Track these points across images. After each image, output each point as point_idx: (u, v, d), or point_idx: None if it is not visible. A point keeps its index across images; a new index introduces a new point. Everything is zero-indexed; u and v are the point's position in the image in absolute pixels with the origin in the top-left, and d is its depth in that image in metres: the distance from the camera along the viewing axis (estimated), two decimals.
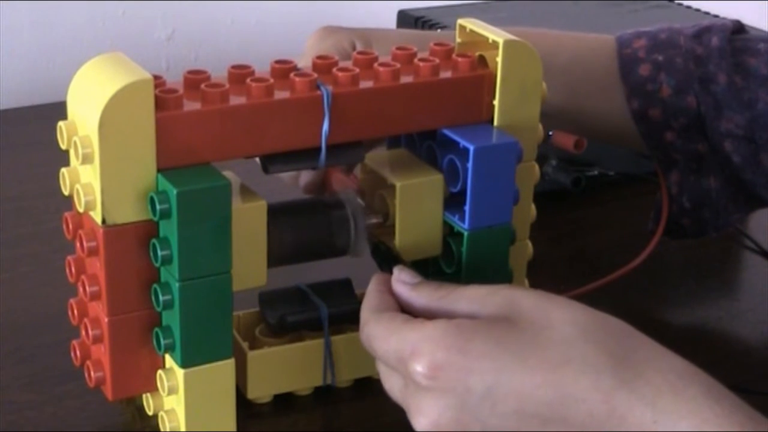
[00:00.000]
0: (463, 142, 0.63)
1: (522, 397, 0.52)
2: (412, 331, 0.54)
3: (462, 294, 0.57)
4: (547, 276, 0.71)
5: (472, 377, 0.52)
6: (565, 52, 0.77)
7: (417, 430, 0.54)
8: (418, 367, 0.53)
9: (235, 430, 0.62)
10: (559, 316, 0.53)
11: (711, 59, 0.74)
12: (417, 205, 0.65)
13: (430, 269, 0.67)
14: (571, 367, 0.51)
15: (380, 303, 0.58)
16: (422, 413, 0.53)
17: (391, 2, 1.04)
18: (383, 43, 0.74)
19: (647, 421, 0.50)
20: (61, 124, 0.58)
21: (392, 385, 0.56)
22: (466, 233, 0.64)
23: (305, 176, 0.70)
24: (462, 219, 0.64)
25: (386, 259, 0.63)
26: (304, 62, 0.70)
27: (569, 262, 0.82)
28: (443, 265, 0.66)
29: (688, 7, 1.14)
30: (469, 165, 0.63)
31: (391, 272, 0.60)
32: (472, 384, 0.52)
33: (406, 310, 0.58)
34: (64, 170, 0.59)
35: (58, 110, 0.59)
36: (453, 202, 0.65)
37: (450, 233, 0.66)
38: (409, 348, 0.54)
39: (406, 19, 1.02)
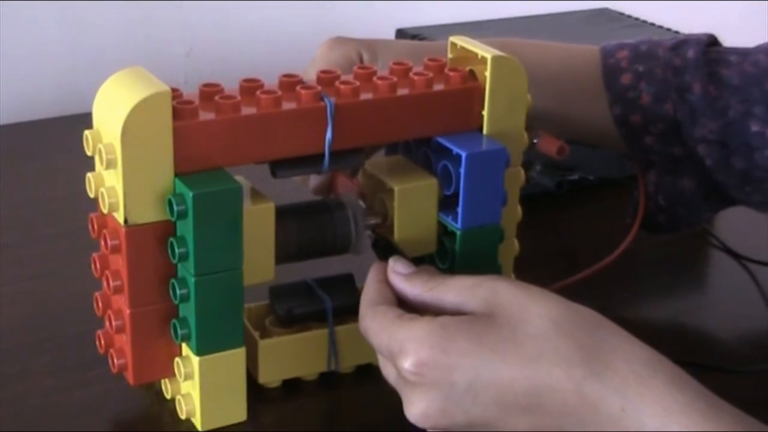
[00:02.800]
0: (456, 149, 0.63)
1: (501, 389, 0.52)
2: (400, 329, 0.55)
3: (450, 286, 0.57)
4: (532, 271, 0.70)
5: (455, 373, 0.53)
6: (553, 62, 0.77)
7: (408, 418, 0.54)
8: (406, 365, 0.53)
9: (245, 412, 0.62)
10: (535, 310, 0.54)
11: (687, 70, 0.74)
12: (414, 206, 0.65)
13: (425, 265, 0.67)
14: (545, 360, 0.52)
15: (376, 295, 0.58)
16: (412, 404, 0.54)
17: (391, 21, 1.04)
18: (387, 52, 0.74)
19: (616, 408, 0.50)
20: (87, 132, 0.58)
21: (388, 373, 0.57)
22: (459, 232, 0.64)
23: (314, 179, 0.69)
24: (455, 219, 0.64)
25: (385, 250, 0.63)
26: (314, 69, 0.70)
27: (552, 258, 0.81)
28: (438, 262, 0.66)
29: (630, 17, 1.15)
30: (462, 170, 0.62)
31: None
32: (455, 379, 0.53)
33: (401, 299, 0.58)
34: (89, 175, 0.59)
35: (85, 120, 0.59)
36: (447, 203, 0.65)
37: (444, 232, 0.66)
38: (397, 346, 0.54)
39: (404, 37, 1.02)
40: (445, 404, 0.53)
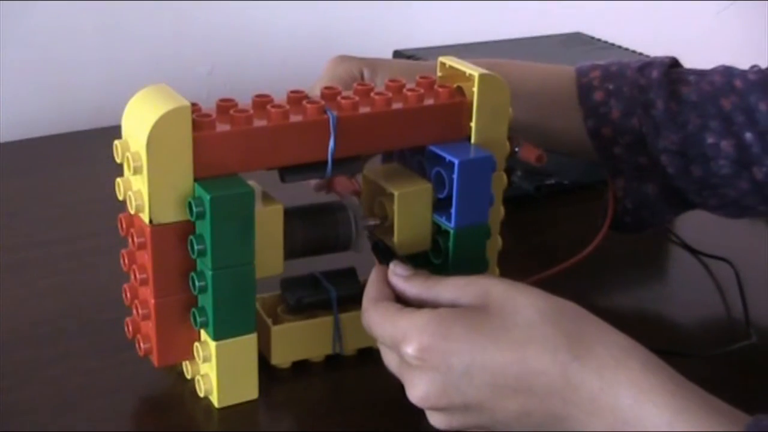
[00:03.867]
0: (449, 157, 0.63)
1: (494, 372, 0.52)
2: (402, 319, 0.55)
3: (445, 284, 0.57)
4: (513, 265, 0.70)
5: (452, 357, 0.52)
6: (534, 80, 0.77)
7: (411, 400, 0.54)
8: (409, 350, 0.53)
9: (257, 391, 0.62)
10: (524, 301, 0.53)
11: (651, 89, 0.74)
12: (411, 209, 0.64)
13: (421, 261, 0.66)
14: (533, 346, 0.51)
15: (378, 293, 0.58)
16: (414, 387, 0.54)
17: (389, 44, 1.03)
18: (385, 70, 0.74)
19: (595, 389, 0.50)
20: (116, 142, 0.58)
21: (389, 361, 0.57)
22: (452, 231, 0.64)
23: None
24: (449, 219, 0.64)
25: (384, 254, 0.62)
26: (321, 83, 0.71)
27: (531, 253, 0.81)
28: (432, 257, 0.66)
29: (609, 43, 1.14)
30: (455, 176, 0.62)
31: (388, 265, 0.59)
32: (453, 363, 0.52)
33: (400, 298, 0.58)
34: (118, 180, 0.59)
35: (115, 132, 0.59)
36: (440, 205, 0.65)
37: (438, 231, 0.65)
38: (400, 334, 0.54)
39: (401, 58, 1.02)
40: (443, 386, 0.53)
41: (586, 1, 1.36)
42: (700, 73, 0.76)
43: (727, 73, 0.75)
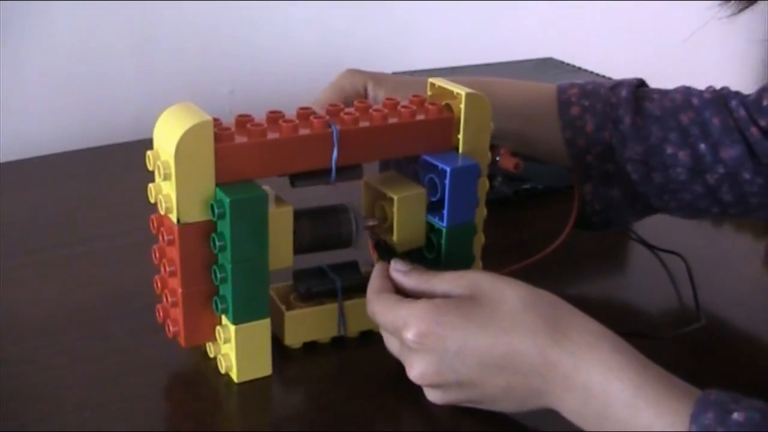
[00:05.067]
0: (441, 165, 0.63)
1: (483, 353, 0.52)
2: (402, 308, 0.55)
3: (440, 278, 0.58)
4: (494, 258, 0.70)
5: (447, 341, 0.53)
6: (519, 94, 0.76)
7: (410, 378, 0.55)
8: (408, 335, 0.54)
9: (271, 368, 0.61)
10: (509, 292, 0.54)
11: (620, 106, 0.73)
12: (408, 211, 0.64)
13: (416, 256, 0.66)
14: (516, 331, 0.52)
15: (380, 286, 0.59)
16: (413, 367, 0.55)
17: (388, 67, 1.03)
18: (388, 84, 0.75)
19: (569, 368, 0.50)
20: (148, 152, 0.58)
21: (391, 345, 0.58)
22: (444, 230, 0.64)
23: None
24: (441, 219, 0.64)
25: (385, 251, 0.63)
26: (328, 92, 0.72)
27: (510, 248, 0.80)
28: (426, 253, 0.66)
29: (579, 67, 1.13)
30: (447, 181, 0.62)
31: (389, 262, 0.60)
32: (447, 345, 0.53)
33: (400, 290, 0.59)
34: (150, 185, 0.58)
35: (148, 144, 0.58)
36: (433, 207, 0.64)
37: (431, 230, 0.65)
38: (401, 321, 0.55)
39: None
40: (439, 366, 0.53)
41: (558, 28, 1.35)
42: (663, 92, 0.75)
43: (686, 92, 0.75)
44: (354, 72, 0.76)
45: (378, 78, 0.76)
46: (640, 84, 0.77)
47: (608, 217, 0.76)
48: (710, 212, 0.75)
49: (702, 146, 0.72)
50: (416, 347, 0.54)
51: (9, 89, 1.03)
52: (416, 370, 0.54)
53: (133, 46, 1.08)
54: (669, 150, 0.72)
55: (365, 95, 0.75)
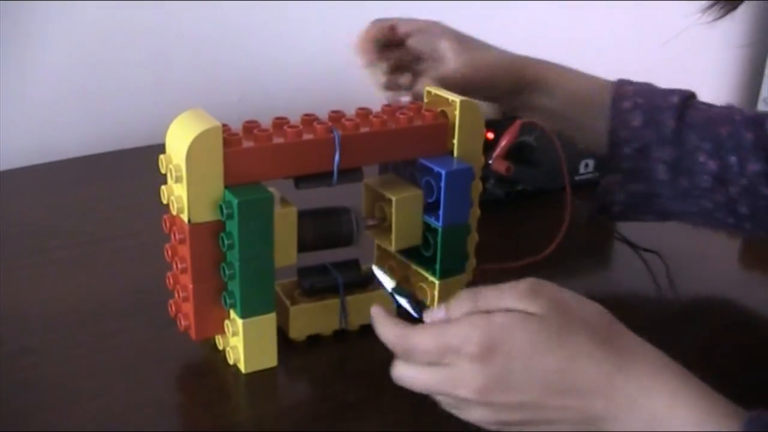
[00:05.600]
0: (437, 168, 0.62)
1: (549, 376, 0.48)
2: (458, 325, 0.49)
3: (497, 292, 0.50)
4: (487, 256, 0.70)
5: (513, 357, 0.48)
6: (577, 81, 0.75)
7: (465, 395, 0.48)
8: (471, 347, 0.48)
9: (276, 359, 0.61)
10: (574, 311, 0.49)
11: (668, 110, 0.72)
12: (406, 211, 0.64)
13: (413, 253, 0.66)
14: (582, 357, 0.48)
15: (403, 326, 0.51)
16: (475, 380, 0.48)
17: None
18: (408, 23, 0.76)
19: (634, 392, 0.47)
20: (161, 156, 0.57)
21: (436, 375, 0.50)
22: (440, 229, 0.63)
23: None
24: (437, 219, 0.63)
25: (414, 309, 0.54)
26: (360, 38, 0.74)
27: (502, 246, 0.80)
28: (423, 251, 0.65)
29: None
30: (442, 183, 0.62)
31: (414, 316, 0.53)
32: (513, 363, 0.48)
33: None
34: (162, 187, 0.58)
35: (161, 148, 0.58)
36: (429, 208, 0.64)
37: (428, 229, 0.65)
38: (459, 338, 0.48)
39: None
40: (504, 381, 0.48)
41: (547, 40, 1.35)
42: (709, 105, 0.74)
43: (731, 108, 0.73)
44: (378, 20, 0.76)
45: (400, 20, 0.76)
46: (691, 95, 0.75)
47: (628, 209, 0.75)
48: (725, 223, 0.73)
49: (732, 158, 0.70)
50: (479, 360, 0.47)
51: (33, 97, 1.02)
52: (478, 383, 0.47)
53: (148, 57, 1.08)
54: (701, 158, 0.70)
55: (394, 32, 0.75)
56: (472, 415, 0.49)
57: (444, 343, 0.48)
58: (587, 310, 0.50)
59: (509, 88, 0.74)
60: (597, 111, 0.73)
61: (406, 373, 0.50)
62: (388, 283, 0.56)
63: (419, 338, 0.49)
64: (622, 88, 0.74)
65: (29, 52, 1.00)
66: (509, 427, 0.49)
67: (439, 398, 0.51)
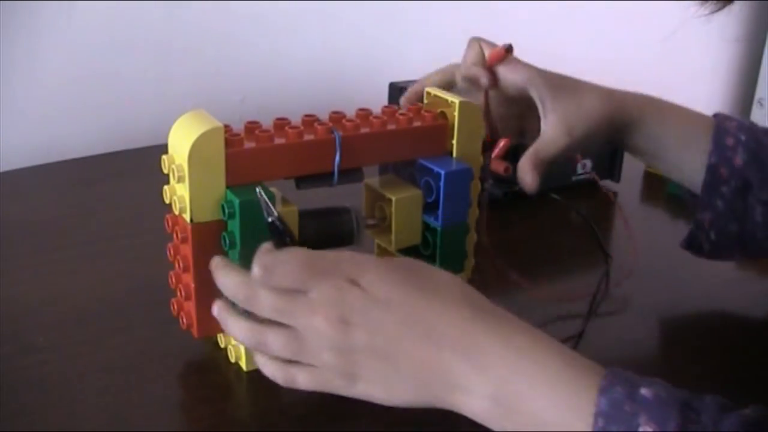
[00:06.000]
0: (436, 169, 0.63)
1: (409, 312, 0.48)
2: (333, 254, 0.50)
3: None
4: (485, 254, 0.70)
5: (377, 287, 0.48)
6: (677, 115, 0.72)
7: (306, 315, 0.48)
8: (347, 267, 0.49)
9: None
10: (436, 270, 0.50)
11: None
12: (406, 211, 0.64)
13: (412, 253, 0.66)
14: (445, 299, 0.48)
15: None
16: (322, 303, 0.48)
17: (386, 76, 1.03)
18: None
19: (494, 337, 0.47)
20: (163, 156, 0.58)
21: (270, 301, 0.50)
22: (439, 228, 0.64)
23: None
24: (436, 219, 0.64)
25: (281, 234, 0.54)
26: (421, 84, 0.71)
27: (500, 245, 0.80)
28: (422, 250, 0.66)
29: None
30: (441, 183, 0.62)
31: (280, 246, 0.52)
32: (376, 292, 0.48)
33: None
34: (165, 187, 0.58)
35: (165, 148, 0.58)
36: (429, 208, 0.65)
37: (427, 228, 0.65)
38: (332, 263, 0.49)
39: (395, 89, 1.01)
40: (357, 308, 0.48)
41: (545, 42, 1.35)
42: None
43: None
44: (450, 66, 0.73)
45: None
46: None
47: (719, 248, 0.71)
48: None
49: None
50: (341, 289, 0.47)
51: (35, 97, 1.03)
52: (337, 310, 0.47)
53: (151, 57, 1.09)
54: None
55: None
56: (317, 359, 0.48)
57: (307, 269, 0.48)
58: (446, 276, 0.50)
59: (604, 141, 0.71)
60: (695, 145, 0.70)
61: (264, 301, 0.49)
62: (268, 213, 0.54)
63: (283, 256, 0.49)
64: (724, 123, 0.70)
65: (32, 53, 1.00)
66: (347, 382, 0.49)
67: (271, 362, 0.50)
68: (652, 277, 0.77)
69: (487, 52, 0.69)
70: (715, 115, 0.72)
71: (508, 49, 0.67)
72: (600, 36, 1.43)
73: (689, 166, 0.70)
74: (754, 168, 0.68)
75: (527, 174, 0.66)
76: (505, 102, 0.68)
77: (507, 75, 0.68)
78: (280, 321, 0.49)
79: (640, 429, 0.42)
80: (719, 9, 0.56)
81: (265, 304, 0.49)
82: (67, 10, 1.00)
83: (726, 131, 0.69)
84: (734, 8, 0.57)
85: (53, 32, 1.00)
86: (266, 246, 0.51)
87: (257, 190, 0.55)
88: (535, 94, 0.68)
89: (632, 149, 0.72)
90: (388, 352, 0.47)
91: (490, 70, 0.68)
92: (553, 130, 0.67)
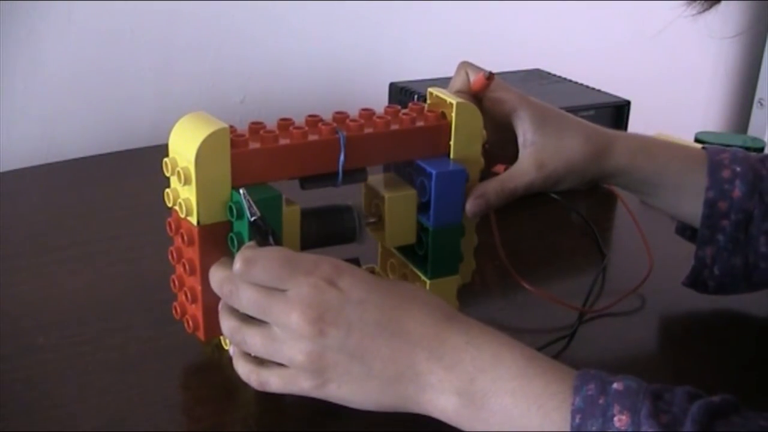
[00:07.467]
0: (428, 169, 0.62)
1: (382, 313, 0.50)
2: (306, 257, 0.52)
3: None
4: (484, 255, 0.70)
5: (353, 289, 0.50)
6: (669, 151, 0.70)
7: (284, 311, 0.50)
8: (325, 268, 0.51)
9: None
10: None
11: None
12: (398, 210, 0.64)
13: (408, 252, 0.66)
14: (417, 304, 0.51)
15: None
16: (299, 300, 0.50)
17: (387, 76, 1.03)
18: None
19: (461, 342, 0.49)
20: (166, 159, 0.57)
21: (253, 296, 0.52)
22: (431, 229, 0.64)
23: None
24: (428, 220, 0.64)
25: (264, 234, 0.55)
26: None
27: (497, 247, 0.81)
28: (417, 249, 0.65)
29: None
30: (432, 184, 0.62)
31: (263, 244, 0.54)
32: (351, 294, 0.50)
33: None
34: (167, 190, 0.58)
35: (162, 149, 0.58)
36: (423, 208, 0.64)
37: (421, 228, 0.65)
38: (305, 267, 0.51)
39: (395, 89, 1.01)
40: (334, 306, 0.50)
41: (544, 40, 1.36)
42: None
43: None
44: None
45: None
46: None
47: (725, 283, 0.70)
48: None
49: None
50: (318, 288, 0.48)
51: (35, 97, 1.03)
52: (313, 310, 0.48)
53: (151, 58, 1.08)
54: None
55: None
56: (291, 359, 0.49)
57: (287, 267, 0.49)
58: (422, 288, 0.52)
59: (588, 181, 0.70)
60: (691, 185, 0.69)
61: (243, 296, 0.51)
62: (251, 213, 0.55)
63: (265, 252, 0.51)
64: (717, 156, 0.69)
65: (32, 53, 1.00)
66: (318, 383, 0.50)
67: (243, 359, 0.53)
68: (652, 276, 0.77)
69: (472, 78, 0.68)
70: (705, 149, 0.71)
71: (488, 77, 0.66)
72: (600, 36, 1.43)
73: (686, 202, 0.69)
74: (755, 199, 0.67)
75: (471, 201, 0.65)
76: (500, 128, 0.67)
77: (493, 106, 0.68)
78: (258, 317, 0.51)
79: (615, 418, 0.43)
80: (706, 9, 0.55)
81: (244, 298, 0.51)
82: (67, 10, 1.00)
83: (720, 164, 0.68)
84: (735, 8, 0.57)
85: (53, 32, 1.00)
86: (249, 243, 0.53)
87: (241, 191, 0.55)
88: (518, 125, 0.67)
89: (624, 188, 0.72)
90: (361, 351, 0.48)
91: (475, 97, 0.68)
92: (524, 162, 0.67)
